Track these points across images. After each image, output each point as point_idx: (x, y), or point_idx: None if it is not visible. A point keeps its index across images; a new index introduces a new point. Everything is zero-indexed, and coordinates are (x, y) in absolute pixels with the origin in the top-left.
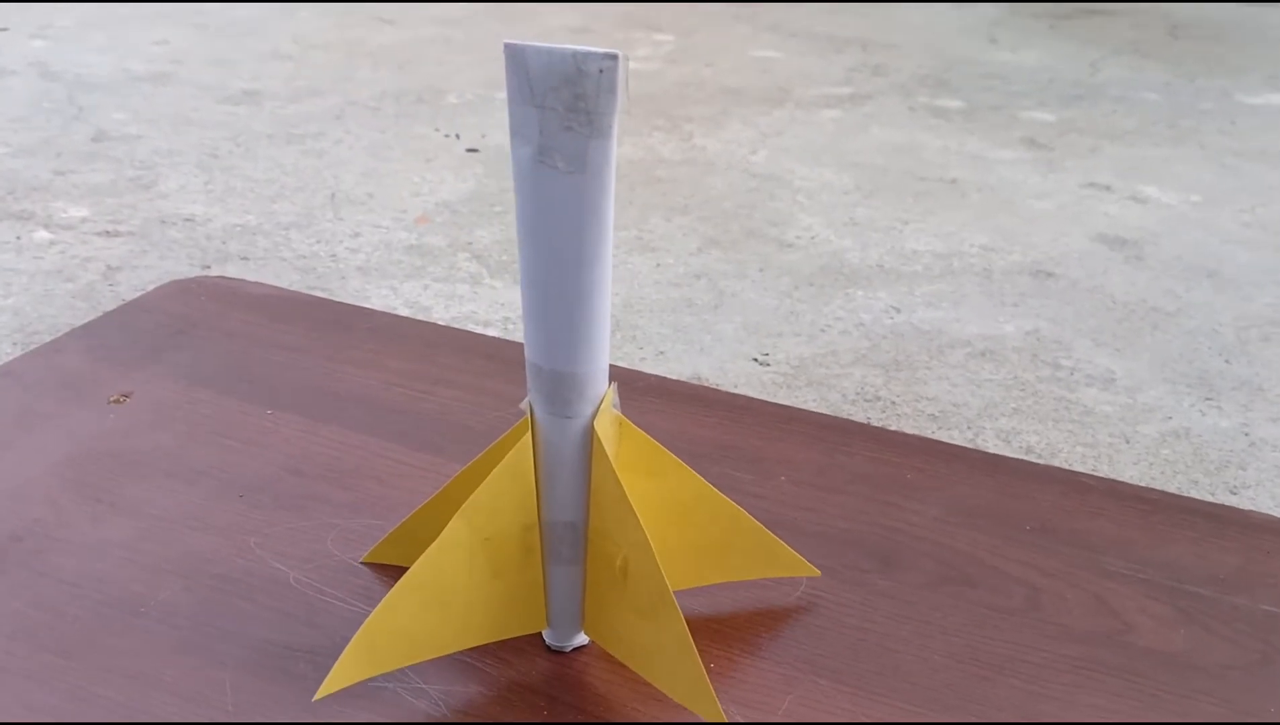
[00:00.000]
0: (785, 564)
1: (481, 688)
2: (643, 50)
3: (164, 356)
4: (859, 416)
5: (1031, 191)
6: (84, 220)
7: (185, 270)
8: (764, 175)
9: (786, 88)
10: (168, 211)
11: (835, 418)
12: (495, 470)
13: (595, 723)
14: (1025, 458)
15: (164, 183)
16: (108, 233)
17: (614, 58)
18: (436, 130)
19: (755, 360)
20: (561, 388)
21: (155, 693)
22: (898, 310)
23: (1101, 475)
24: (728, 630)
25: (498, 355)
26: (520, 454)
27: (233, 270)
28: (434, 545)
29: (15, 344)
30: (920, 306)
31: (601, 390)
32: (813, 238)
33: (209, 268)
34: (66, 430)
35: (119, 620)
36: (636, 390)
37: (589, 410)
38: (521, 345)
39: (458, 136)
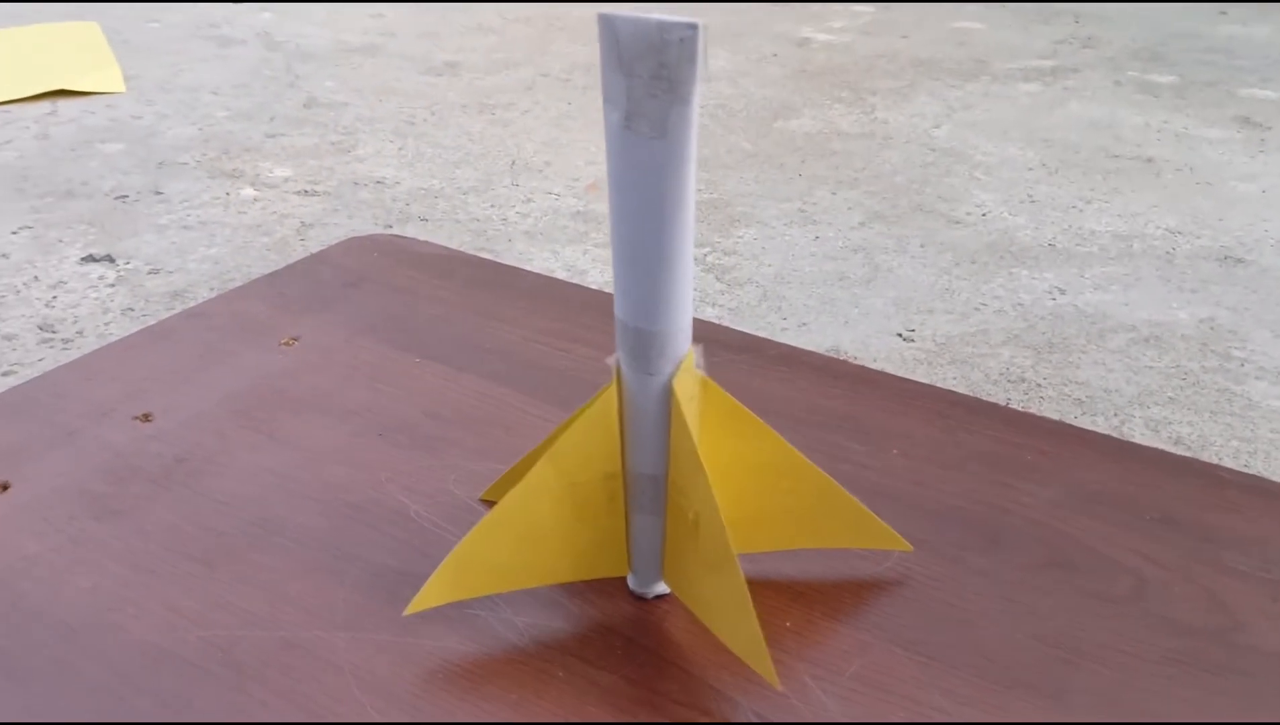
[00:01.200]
0: (875, 535)
1: (565, 624)
2: (838, 22)
3: (334, 306)
4: (999, 397)
5: (1236, 173)
6: (286, 180)
7: (369, 228)
8: (943, 150)
9: (984, 60)
10: (361, 174)
11: (963, 395)
12: (580, 419)
13: (619, 722)
14: (1170, 449)
15: (361, 147)
16: (305, 192)
17: (694, 28)
18: None
19: (900, 335)
20: (643, 345)
21: (281, 604)
22: (1062, 291)
23: (1251, 472)
24: (811, 593)
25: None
26: (605, 406)
27: (411, 230)
28: (521, 484)
29: (211, 288)
30: (1088, 289)
31: (683, 350)
32: (984, 215)
33: (390, 227)
34: (240, 368)
35: (260, 538)
36: (766, 358)
37: (669, 368)
38: None
39: None
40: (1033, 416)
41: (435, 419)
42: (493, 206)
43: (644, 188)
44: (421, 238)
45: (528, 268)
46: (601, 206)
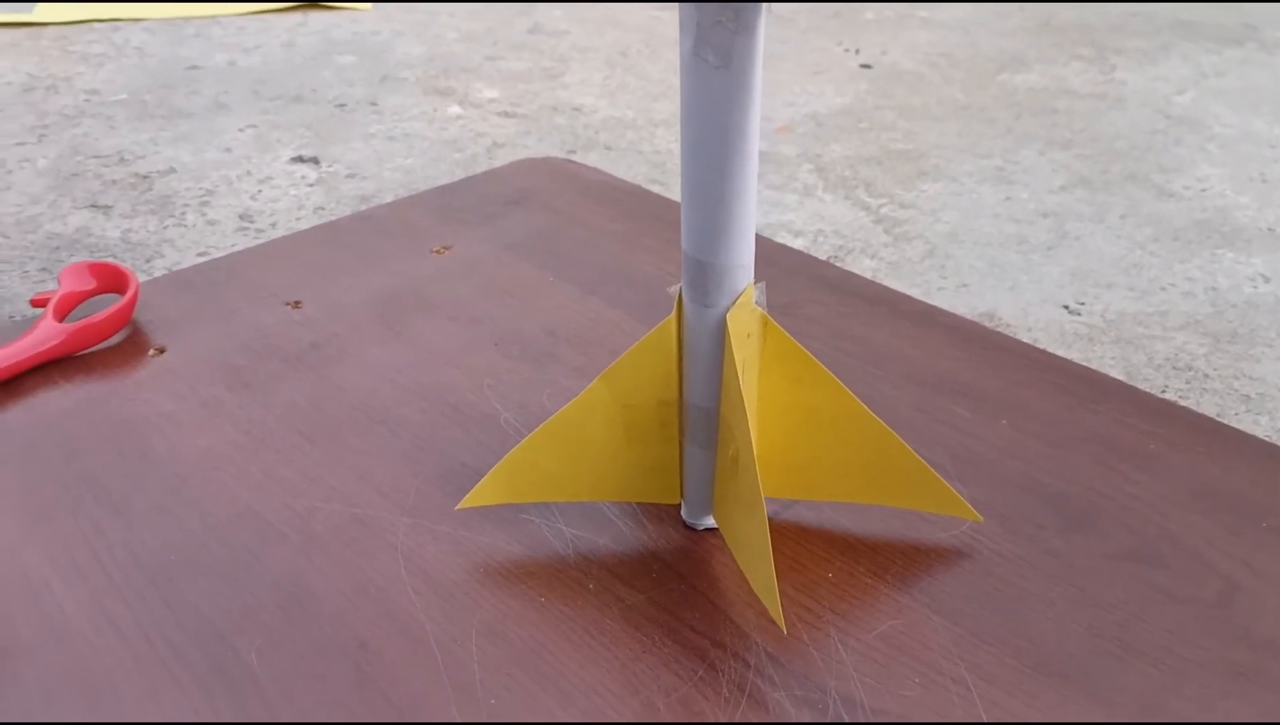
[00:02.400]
0: (940, 500)
1: (610, 542)
2: None
3: (492, 221)
4: (1159, 383)
5: None
6: (491, 101)
7: (554, 152)
8: (1179, 118)
9: (1255, 25)
10: (562, 100)
11: (1097, 373)
12: (639, 343)
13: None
14: None
15: (570, 75)
16: (506, 114)
17: None
18: (839, 44)
19: (1066, 307)
20: (700, 276)
21: (361, 484)
22: (1266, 279)
23: None
24: (862, 548)
25: (776, 261)
26: (664, 332)
27: (594, 157)
28: (576, 399)
29: (396, 195)
30: None
31: (740, 284)
32: (1203, 190)
33: (574, 152)
34: (391, 269)
35: (361, 423)
36: (898, 313)
37: (725, 302)
38: (801, 254)
39: (857, 52)
40: (1169, 403)
41: (550, 336)
42: (678, 141)
43: (707, 118)
44: (603, 166)
45: None
46: (786, 149)
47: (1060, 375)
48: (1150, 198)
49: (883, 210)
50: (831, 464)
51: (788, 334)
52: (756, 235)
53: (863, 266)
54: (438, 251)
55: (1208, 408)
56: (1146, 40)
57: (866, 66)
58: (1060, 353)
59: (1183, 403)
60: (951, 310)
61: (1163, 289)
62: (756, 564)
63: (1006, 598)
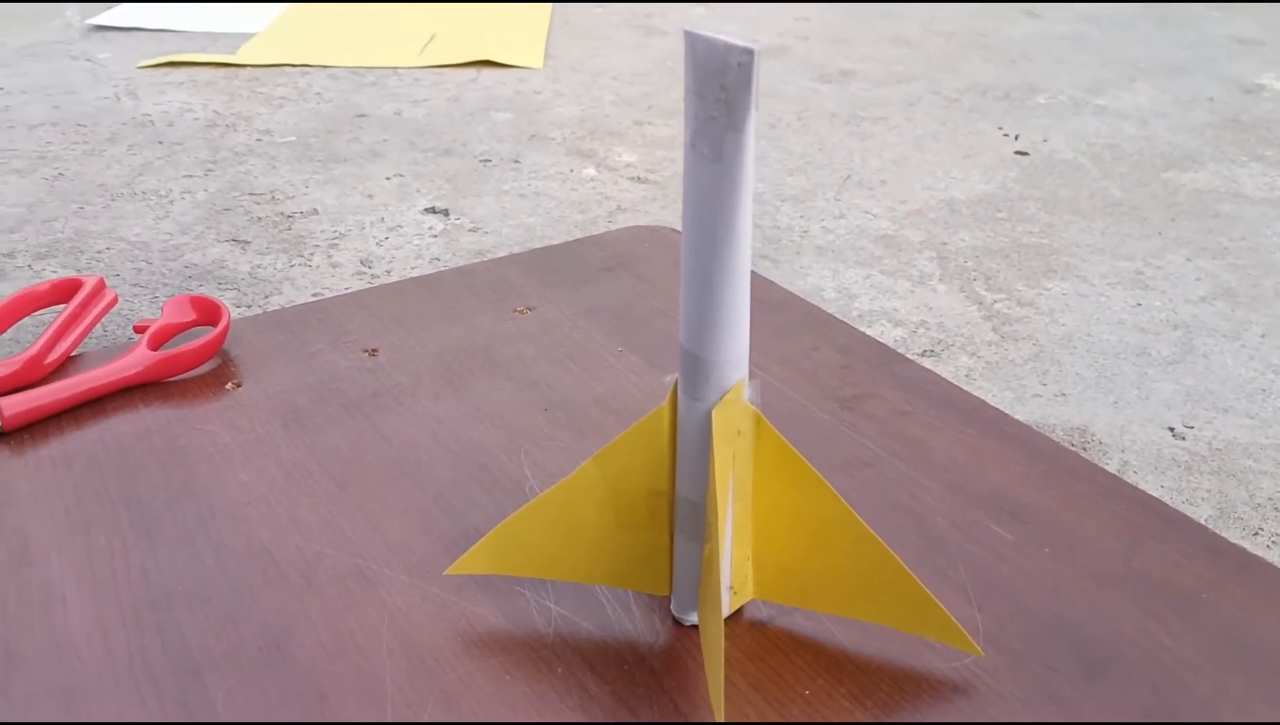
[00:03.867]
0: (937, 627)
1: (593, 627)
2: None
3: (581, 285)
4: (1252, 525)
5: None
6: (627, 165)
7: (675, 221)
8: None
9: None
10: None
11: (1166, 507)
12: (632, 428)
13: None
14: None
15: None
16: (638, 179)
17: (750, 53)
18: (999, 129)
19: (1170, 429)
20: (691, 369)
21: (372, 536)
22: None
23: None
24: (850, 669)
25: (853, 350)
26: (656, 421)
27: None
28: (569, 478)
29: (510, 251)
30: None
31: (730, 381)
32: None
33: None
34: (470, 325)
35: (392, 475)
36: (962, 416)
37: (713, 397)
38: (882, 346)
39: (1016, 137)
40: (1238, 549)
41: (601, 406)
42: (801, 217)
43: (701, 210)
44: None
45: (800, 282)
46: (912, 233)
47: (1125, 505)
48: None
49: (997, 306)
50: (827, 575)
51: (780, 435)
52: (842, 320)
53: (958, 364)
54: (519, 311)
55: None
56: None
57: (1022, 154)
58: (1151, 480)
59: (1274, 549)
60: (1041, 421)
61: None
62: (711, 668)
63: None
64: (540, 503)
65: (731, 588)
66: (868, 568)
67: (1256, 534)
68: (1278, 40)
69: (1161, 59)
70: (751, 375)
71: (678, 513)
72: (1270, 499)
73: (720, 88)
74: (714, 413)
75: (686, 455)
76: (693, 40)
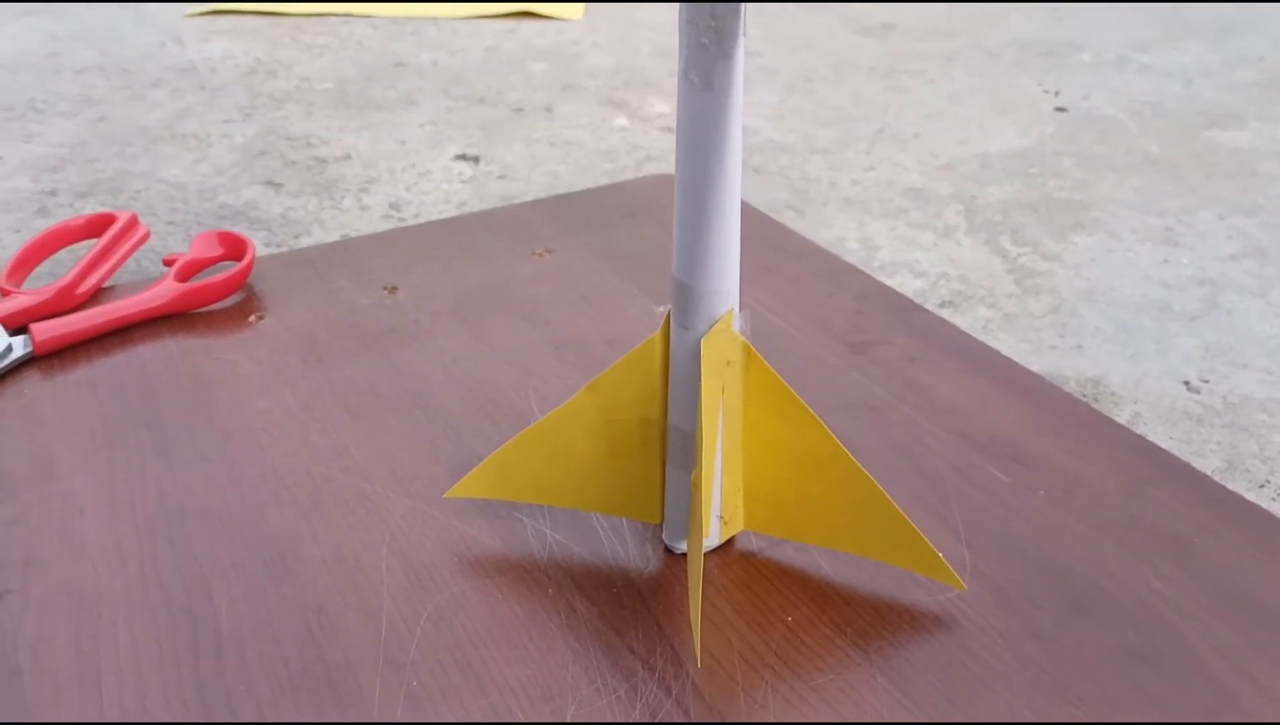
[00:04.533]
0: (922, 561)
1: (586, 552)
2: None
3: (601, 230)
4: (1260, 477)
5: None
6: (659, 115)
7: None
8: None
9: None
10: None
11: (1167, 454)
12: (624, 358)
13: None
14: None
15: (750, 95)
16: (667, 129)
17: None
18: (1039, 85)
19: (1186, 383)
20: (681, 297)
21: (379, 461)
22: None
23: None
24: (833, 598)
25: (868, 296)
26: (647, 350)
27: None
28: (562, 407)
29: (536, 197)
30: None
31: (719, 310)
32: None
33: None
34: (490, 267)
35: (403, 406)
36: (973, 364)
37: (703, 326)
38: (898, 295)
39: (1057, 94)
40: (1235, 497)
41: (610, 346)
42: (830, 169)
43: (692, 140)
44: (748, 187)
45: (824, 232)
46: (941, 186)
47: (1127, 452)
48: None
49: (1020, 260)
50: (815, 507)
51: (770, 367)
52: (860, 271)
53: (976, 316)
54: (538, 254)
55: None
56: None
57: (1061, 110)
58: (1161, 431)
59: (1278, 502)
60: (1055, 372)
61: None
62: (692, 590)
63: (968, 673)
64: (535, 430)
65: (722, 517)
66: (855, 501)
67: (1263, 486)
68: None
69: (1213, 17)
70: (749, 311)
71: (669, 442)
72: None
73: (710, 15)
74: (703, 342)
75: (677, 384)
76: None
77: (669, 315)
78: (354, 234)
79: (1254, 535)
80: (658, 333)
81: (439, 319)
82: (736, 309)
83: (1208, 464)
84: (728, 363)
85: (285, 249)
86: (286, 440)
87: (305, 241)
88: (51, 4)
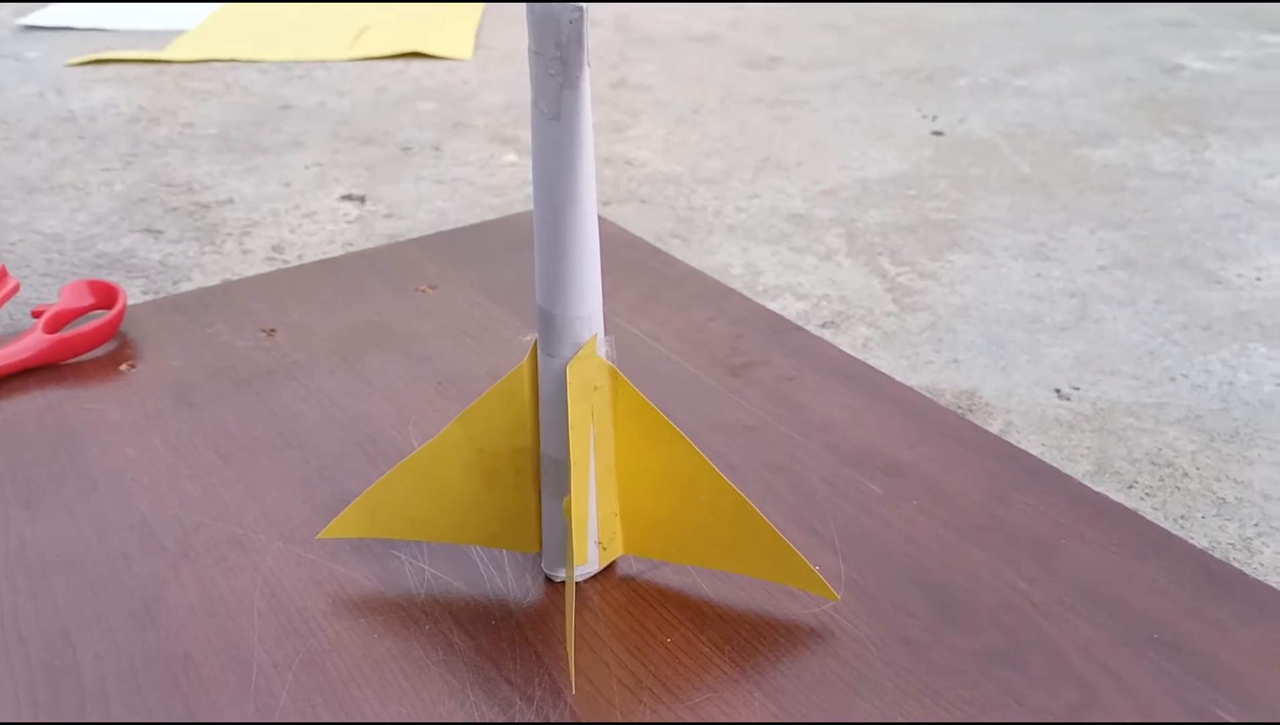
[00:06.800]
0: (796, 575)
1: (464, 586)
2: (1230, 51)
3: (484, 265)
4: (1129, 477)
5: None
6: None
7: None
8: (1261, 202)
9: None
10: (617, 153)
11: (1034, 460)
12: (493, 388)
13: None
14: None
15: (635, 129)
16: None
17: (580, 10)
18: (918, 110)
19: (1057, 391)
20: (545, 325)
21: (251, 506)
22: None
23: None
24: (711, 617)
25: (749, 320)
26: (515, 380)
27: (627, 210)
28: (434, 440)
29: (422, 235)
30: None
31: (583, 336)
32: (1258, 280)
33: (609, 204)
34: (369, 306)
35: (277, 447)
36: (845, 380)
37: (568, 353)
38: (778, 316)
39: (934, 119)
40: (1098, 497)
41: (491, 379)
42: (716, 197)
43: (545, 169)
44: (632, 218)
45: (708, 259)
46: (823, 211)
47: (993, 459)
48: (1195, 285)
49: (899, 279)
50: (690, 528)
51: (637, 391)
52: (741, 295)
53: (856, 335)
54: (421, 291)
55: (1174, 508)
56: (1258, 121)
57: (938, 134)
58: (1033, 439)
59: (1146, 501)
60: (932, 387)
61: (1172, 380)
62: (567, 620)
63: (842, 683)
64: (407, 465)
65: (600, 543)
66: (728, 519)
67: (1131, 487)
68: (1205, 21)
69: (1089, 41)
70: (614, 335)
71: (542, 470)
72: (1148, 454)
73: (555, 45)
74: (568, 368)
75: (546, 412)
76: (532, 3)
77: (535, 344)
78: (235, 278)
79: (1117, 534)
80: (525, 361)
81: (317, 358)
82: (601, 334)
83: (1078, 468)
84: (594, 388)
85: (164, 296)
86: (155, 487)
87: (185, 287)
88: None
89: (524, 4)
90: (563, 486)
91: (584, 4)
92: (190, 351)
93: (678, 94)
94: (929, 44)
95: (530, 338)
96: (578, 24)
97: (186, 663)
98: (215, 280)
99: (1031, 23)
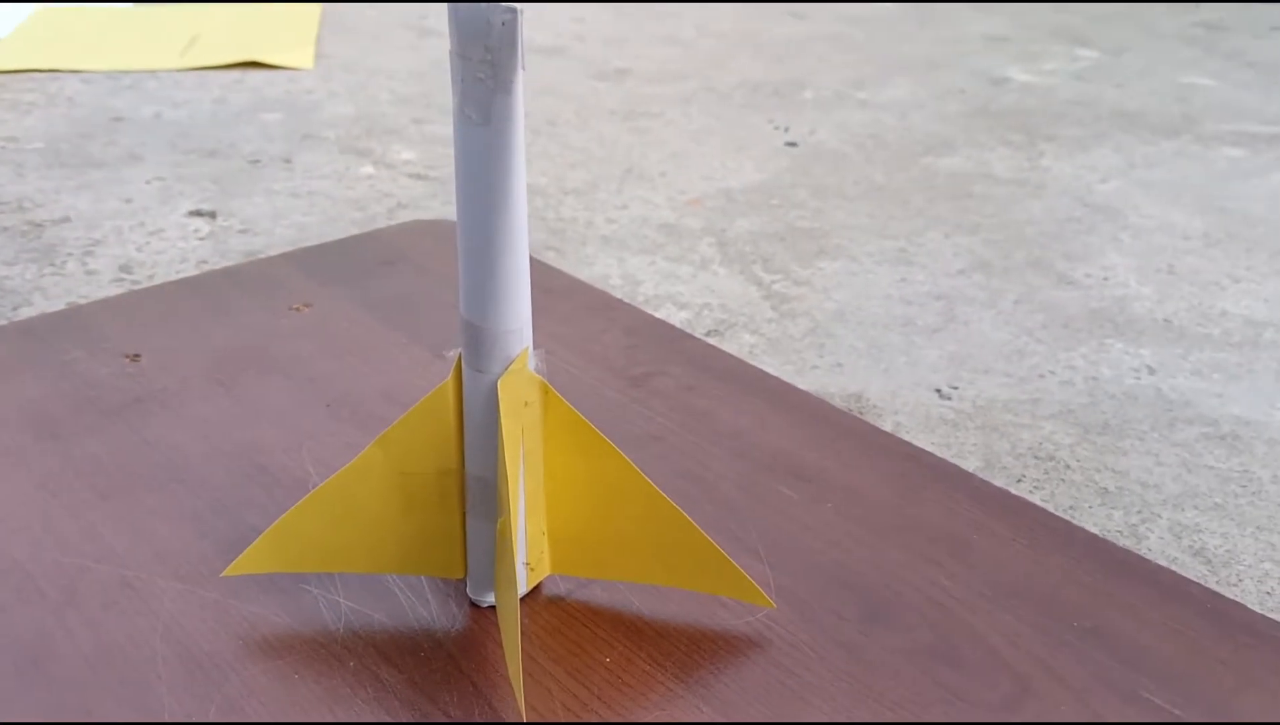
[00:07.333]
0: (731, 585)
1: (385, 617)
2: (1050, 64)
3: (359, 281)
4: (1017, 472)
5: None
6: (406, 162)
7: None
8: (1097, 207)
9: (1195, 119)
10: None
11: (936, 459)
12: (414, 408)
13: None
14: (1181, 560)
15: None
16: (418, 176)
17: (514, 11)
18: (770, 122)
19: (938, 391)
20: (473, 340)
21: (140, 545)
22: (1152, 371)
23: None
24: (648, 633)
25: (640, 331)
26: (439, 399)
27: None
28: (350, 465)
29: (283, 251)
30: (1183, 373)
31: (514, 350)
32: (1105, 279)
33: None
34: (240, 326)
35: (161, 481)
36: (746, 387)
37: (498, 368)
38: (668, 326)
39: (786, 130)
40: (1002, 493)
41: (386, 399)
42: (585, 209)
43: (473, 176)
44: None
45: (586, 271)
46: (692, 221)
47: (899, 461)
48: (1048, 285)
49: (775, 287)
50: (621, 542)
51: (569, 404)
52: (630, 305)
53: (741, 342)
54: (296, 309)
55: (1062, 499)
56: (1083, 129)
57: (792, 145)
58: (922, 438)
59: (1036, 494)
60: (821, 390)
61: (1041, 377)
62: (509, 646)
63: (786, 690)
64: (319, 494)
65: (528, 564)
66: (661, 531)
67: (1020, 481)
68: (1024, 36)
69: (918, 56)
70: (544, 348)
71: (469, 491)
72: (1030, 449)
73: (484, 49)
74: (499, 383)
75: (473, 430)
76: (455, 5)
77: (459, 359)
78: (82, 300)
79: (1023, 527)
80: (449, 378)
81: (189, 385)
82: (530, 348)
83: (968, 465)
84: (526, 403)
85: (4, 321)
86: (27, 531)
87: (26, 312)
88: None
89: (441, 5)
90: (492, 508)
91: (518, 4)
92: (47, 381)
93: (532, 106)
94: (768, 57)
95: (453, 353)
96: (511, 25)
97: (89, 717)
98: (60, 303)
99: (860, 38)
